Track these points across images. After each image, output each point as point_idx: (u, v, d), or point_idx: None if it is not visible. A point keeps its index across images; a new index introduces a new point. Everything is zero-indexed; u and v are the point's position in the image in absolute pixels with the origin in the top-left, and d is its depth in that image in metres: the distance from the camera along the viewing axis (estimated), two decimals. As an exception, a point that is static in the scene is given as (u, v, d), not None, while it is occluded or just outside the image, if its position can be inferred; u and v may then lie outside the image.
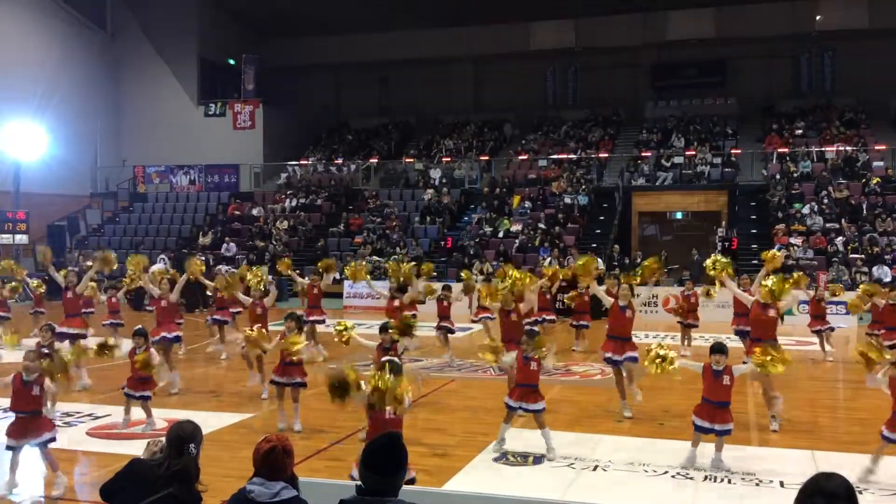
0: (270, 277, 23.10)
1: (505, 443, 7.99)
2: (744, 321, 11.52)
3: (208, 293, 17.13)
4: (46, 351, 7.83)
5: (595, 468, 7.47)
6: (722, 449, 7.38)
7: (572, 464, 7.54)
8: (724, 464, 7.33)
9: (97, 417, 9.43)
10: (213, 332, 14.96)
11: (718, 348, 7.66)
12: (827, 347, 13.95)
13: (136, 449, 4.78)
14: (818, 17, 30.70)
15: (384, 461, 3.37)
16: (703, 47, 31.86)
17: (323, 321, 13.97)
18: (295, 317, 8.90)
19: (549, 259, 21.06)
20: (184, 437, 3.87)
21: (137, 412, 8.98)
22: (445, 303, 13.77)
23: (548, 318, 14.92)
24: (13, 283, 15.24)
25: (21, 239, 26.04)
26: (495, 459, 7.72)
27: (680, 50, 32.24)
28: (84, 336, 11.39)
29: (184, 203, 32.20)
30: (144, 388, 8.76)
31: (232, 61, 34.75)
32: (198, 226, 29.79)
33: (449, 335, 13.67)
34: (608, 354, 9.61)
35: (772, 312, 9.24)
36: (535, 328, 8.46)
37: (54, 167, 30.23)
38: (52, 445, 6.83)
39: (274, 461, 3.57)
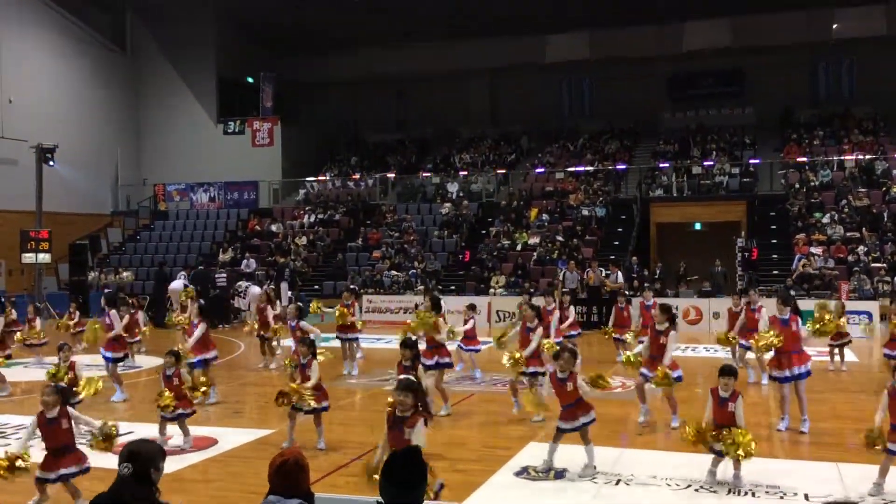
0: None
1: (552, 463, 7.80)
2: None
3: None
4: (61, 384, 7.82)
5: (617, 482, 7.42)
6: (740, 468, 7.24)
7: (594, 478, 7.51)
8: (743, 481, 7.22)
9: (121, 435, 9.47)
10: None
11: (728, 371, 7.39)
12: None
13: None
14: (835, 26, 30.57)
15: (405, 474, 3.38)
16: (720, 57, 31.79)
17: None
18: (308, 342, 8.91)
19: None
20: (121, 457, 3.75)
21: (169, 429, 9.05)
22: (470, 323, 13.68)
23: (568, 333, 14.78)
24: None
25: (44, 258, 26.33)
26: (516, 474, 7.69)
27: (696, 60, 32.18)
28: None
29: (204, 220, 32.47)
30: (182, 405, 8.79)
31: (250, 79, 35.09)
32: (218, 242, 30.02)
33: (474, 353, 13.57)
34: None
35: (794, 326, 9.36)
36: (572, 345, 8.40)
37: (76, 186, 30.63)
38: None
39: (286, 475, 3.57)
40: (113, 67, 33.90)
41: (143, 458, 3.73)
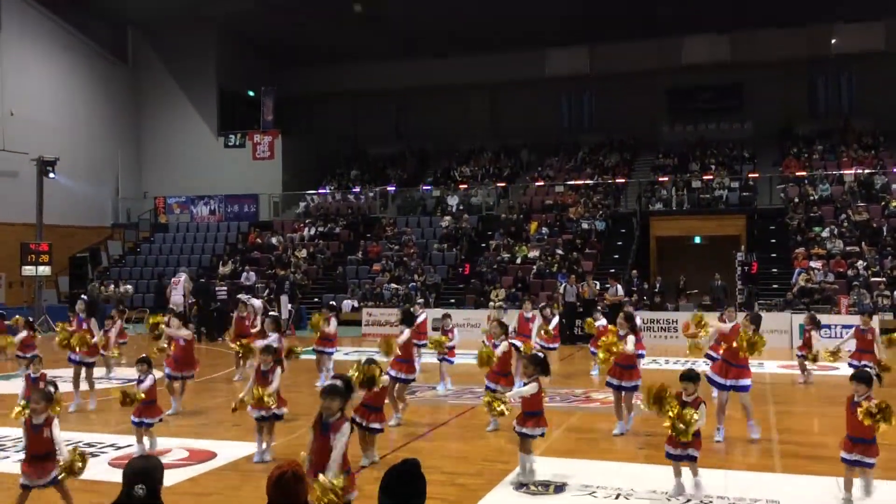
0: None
1: (530, 473, 7.89)
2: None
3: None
4: (52, 388, 7.86)
5: (617, 496, 7.41)
6: (697, 473, 7.38)
7: (594, 492, 7.49)
8: (703, 488, 7.33)
9: (119, 448, 9.48)
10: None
11: (688, 376, 7.43)
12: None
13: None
14: (834, 41, 30.72)
15: (403, 488, 3.38)
16: (719, 71, 31.94)
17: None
18: (271, 349, 9.05)
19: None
20: (131, 478, 3.76)
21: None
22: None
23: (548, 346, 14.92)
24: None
25: (44, 270, 26.32)
26: (516, 488, 7.68)
27: (695, 74, 32.32)
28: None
29: (204, 233, 32.51)
30: (150, 414, 8.91)
31: (251, 93, 35.23)
32: (218, 255, 30.04)
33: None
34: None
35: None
36: (540, 354, 8.54)
37: (76, 199, 30.68)
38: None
39: (285, 488, 3.57)
40: (114, 80, 34.03)
41: (153, 476, 3.78)
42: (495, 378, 10.30)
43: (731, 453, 9.11)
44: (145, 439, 9.05)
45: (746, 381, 9.45)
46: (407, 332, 10.99)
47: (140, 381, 8.96)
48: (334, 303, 20.33)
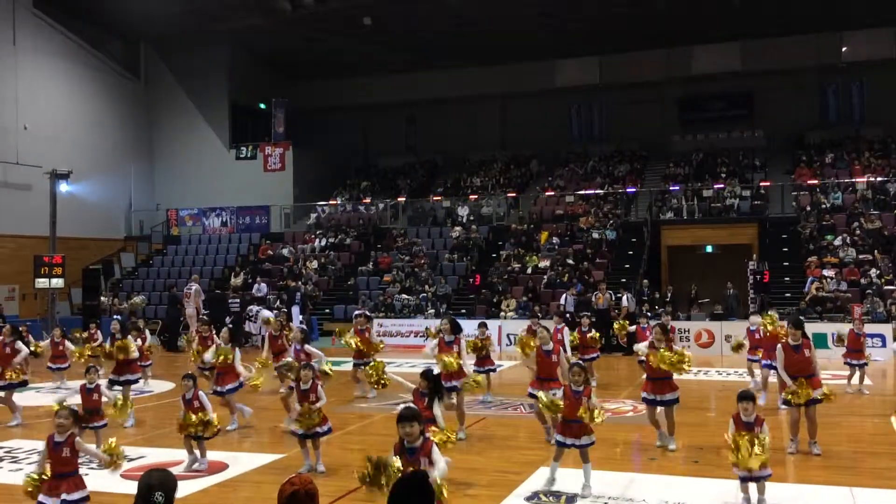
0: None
1: (555, 482, 7.83)
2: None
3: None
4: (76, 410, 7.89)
5: (629, 507, 7.38)
6: (764, 492, 7.18)
7: (606, 503, 7.46)
8: None
9: (131, 459, 9.50)
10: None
11: (746, 395, 7.26)
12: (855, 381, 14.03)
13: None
14: (844, 49, 30.64)
15: (410, 501, 3.38)
16: (730, 80, 31.88)
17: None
18: (310, 366, 9.06)
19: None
20: (151, 486, 3.79)
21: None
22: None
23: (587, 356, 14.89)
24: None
25: (57, 283, 26.48)
26: (527, 499, 7.66)
27: (706, 83, 32.27)
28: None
29: (216, 245, 32.65)
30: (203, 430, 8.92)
31: (262, 105, 35.43)
32: (230, 267, 30.15)
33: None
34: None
35: (807, 353, 9.43)
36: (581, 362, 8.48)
37: (89, 211, 30.90)
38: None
39: None
40: (127, 95, 34.30)
41: (170, 487, 3.83)
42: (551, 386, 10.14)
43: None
44: (196, 452, 9.04)
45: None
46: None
47: (187, 400, 8.92)
48: (366, 311, 20.21)
